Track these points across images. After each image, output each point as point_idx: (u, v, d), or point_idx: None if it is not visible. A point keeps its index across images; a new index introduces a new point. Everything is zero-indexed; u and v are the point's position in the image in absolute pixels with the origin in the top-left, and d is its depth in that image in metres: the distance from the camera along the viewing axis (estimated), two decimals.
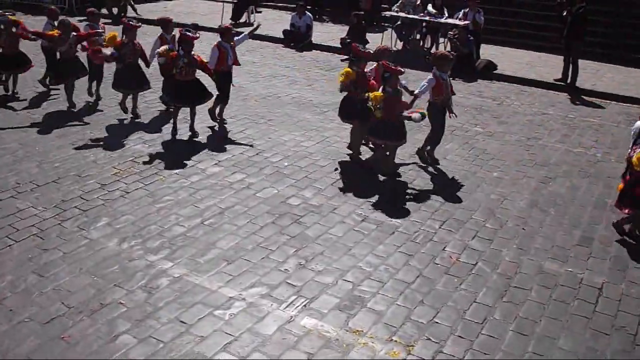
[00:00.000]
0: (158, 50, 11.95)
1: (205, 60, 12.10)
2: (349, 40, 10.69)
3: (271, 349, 6.49)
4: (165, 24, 13.67)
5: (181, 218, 9.08)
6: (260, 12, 26.38)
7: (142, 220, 8.99)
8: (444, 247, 8.64)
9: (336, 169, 10.96)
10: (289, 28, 20.90)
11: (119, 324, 6.75)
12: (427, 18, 19.98)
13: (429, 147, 11.39)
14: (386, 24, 22.59)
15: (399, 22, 20.72)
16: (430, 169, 11.21)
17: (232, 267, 7.90)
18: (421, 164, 11.32)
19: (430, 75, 10.97)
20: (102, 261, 7.92)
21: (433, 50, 20.15)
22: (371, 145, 11.69)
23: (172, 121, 12.25)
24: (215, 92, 12.59)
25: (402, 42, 20.83)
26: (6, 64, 13.91)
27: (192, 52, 11.82)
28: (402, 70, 10.42)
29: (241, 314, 7.01)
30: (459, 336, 6.83)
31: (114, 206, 9.34)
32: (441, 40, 20.52)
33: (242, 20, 24.52)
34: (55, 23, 13.75)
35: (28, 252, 8.05)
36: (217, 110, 12.86)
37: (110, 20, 23.62)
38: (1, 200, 9.35)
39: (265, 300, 7.26)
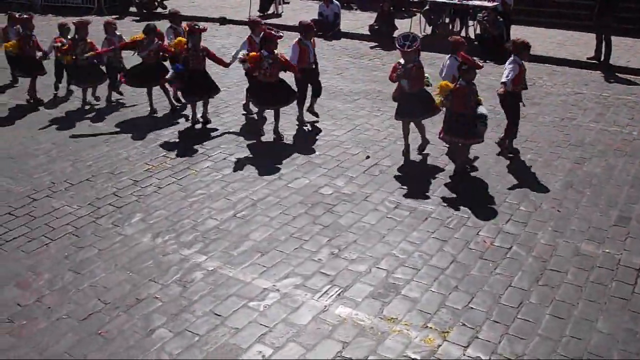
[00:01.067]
0: (240, 55, 11.50)
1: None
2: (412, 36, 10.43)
3: (306, 339, 6.49)
4: (253, 25, 13.28)
5: (214, 211, 9.12)
6: (288, 2, 26.33)
7: (175, 214, 9.05)
8: (478, 232, 8.56)
9: (368, 157, 10.92)
10: (317, 17, 20.82)
11: (154, 319, 6.81)
12: (455, 1, 19.78)
13: (507, 141, 11.19)
14: (414, 9, 22.43)
15: (427, 7, 20.56)
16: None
17: (265, 259, 7.92)
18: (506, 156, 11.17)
19: (510, 64, 10.75)
20: (137, 257, 8.00)
21: (462, 33, 20.01)
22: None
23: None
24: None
25: (430, 27, 20.65)
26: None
27: (276, 51, 11.56)
28: (481, 64, 10.24)
29: (275, 305, 7.02)
30: (495, 321, 6.77)
31: (147, 202, 9.42)
32: (470, 23, 20.29)
33: (270, 11, 24.49)
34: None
35: (64, 250, 8.16)
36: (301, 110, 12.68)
37: (138, 18, 23.81)
38: (37, 200, 9.47)
39: (299, 291, 7.27)
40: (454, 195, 9.57)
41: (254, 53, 11.35)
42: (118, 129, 12.41)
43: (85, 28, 13.43)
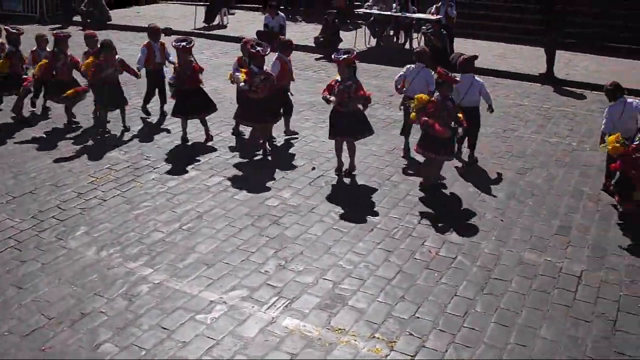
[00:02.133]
0: (239, 75, 10.97)
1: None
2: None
3: (254, 351, 6.49)
4: (244, 45, 13.03)
5: (159, 224, 9.05)
6: (233, 14, 26.31)
7: (120, 227, 8.95)
8: (423, 242, 8.66)
9: (313, 168, 10.97)
10: (262, 28, 20.81)
11: (100, 333, 6.73)
12: (399, 14, 20.01)
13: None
14: (359, 21, 22.60)
15: (371, 19, 20.75)
16: (407, 165, 11.23)
17: (212, 271, 7.89)
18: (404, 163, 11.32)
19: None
20: (81, 270, 7.89)
21: (407, 46, 20.27)
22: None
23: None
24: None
25: (375, 39, 20.84)
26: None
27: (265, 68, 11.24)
28: (457, 79, 10.20)
29: (222, 318, 7.00)
30: (441, 330, 6.86)
31: (91, 214, 9.30)
32: (414, 35, 20.55)
33: (216, 22, 24.42)
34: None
35: (6, 265, 8.01)
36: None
37: (81, 28, 23.50)
38: None
39: (246, 303, 7.26)
40: (400, 206, 9.65)
41: (243, 70, 11.10)
42: (62, 142, 12.21)
43: (66, 41, 12.99)
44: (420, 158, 10.71)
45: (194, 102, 11.86)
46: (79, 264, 8.03)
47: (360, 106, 10.26)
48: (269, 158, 11.42)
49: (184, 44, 11.70)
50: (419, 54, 11.60)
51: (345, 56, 10.21)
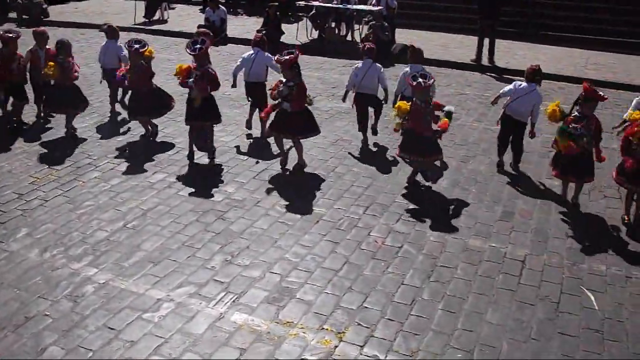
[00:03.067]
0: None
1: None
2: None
3: (203, 348, 6.46)
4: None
5: (103, 223, 8.93)
6: (173, 8, 26.05)
7: (63, 227, 8.81)
8: (369, 232, 8.72)
9: (257, 162, 10.94)
10: (203, 23, 20.66)
11: (45, 337, 6.61)
12: (340, 6, 20.04)
13: None
14: (301, 14, 22.58)
15: (313, 11, 20.75)
16: (350, 155, 11.28)
17: (158, 269, 7.82)
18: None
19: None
20: (24, 273, 7.74)
21: (349, 37, 20.32)
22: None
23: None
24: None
25: (317, 31, 20.85)
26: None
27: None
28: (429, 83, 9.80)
29: (170, 315, 6.95)
30: (389, 319, 6.92)
31: (33, 216, 9.13)
32: (356, 27, 20.62)
33: (156, 17, 24.16)
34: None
35: None
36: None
37: (19, 29, 23.01)
38: None
39: (193, 300, 7.22)
40: (344, 197, 9.69)
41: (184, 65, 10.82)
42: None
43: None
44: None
45: (147, 102, 11.67)
46: (22, 267, 7.88)
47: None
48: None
49: (136, 46, 11.46)
50: (366, 50, 11.72)
51: (286, 57, 9.99)
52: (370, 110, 11.91)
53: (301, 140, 10.56)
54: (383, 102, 11.88)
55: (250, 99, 12.30)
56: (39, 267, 7.88)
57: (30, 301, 7.20)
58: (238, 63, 12.35)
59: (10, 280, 7.61)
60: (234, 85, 12.41)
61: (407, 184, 10.15)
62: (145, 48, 11.53)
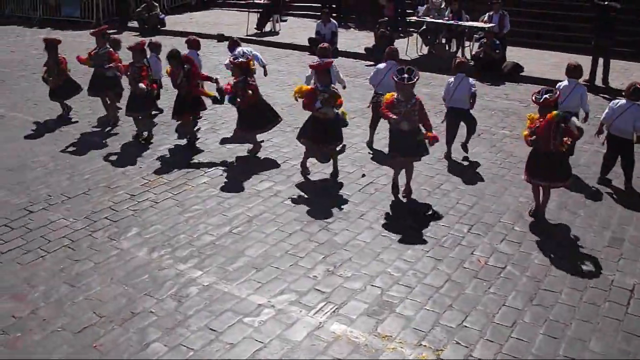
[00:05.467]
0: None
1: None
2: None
3: (300, 355, 6.52)
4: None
5: (210, 227, 9.15)
6: (285, 20, 26.46)
7: (172, 229, 9.07)
8: (473, 251, 8.60)
9: (363, 175, 10.97)
10: (314, 36, 20.92)
11: (149, 333, 6.83)
12: (452, 22, 19.91)
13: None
14: (411, 29, 22.56)
15: (424, 27, 20.69)
16: (458, 172, 11.18)
17: (261, 275, 7.95)
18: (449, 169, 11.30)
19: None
20: (133, 271, 8.02)
21: (459, 54, 20.16)
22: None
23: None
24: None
25: (427, 47, 20.78)
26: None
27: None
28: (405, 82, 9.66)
29: (270, 321, 7.05)
30: (489, 340, 6.80)
31: (143, 216, 9.45)
32: (467, 44, 20.45)
33: (267, 29, 24.62)
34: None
35: (60, 263, 8.19)
36: None
37: (138, 33, 23.94)
38: (33, 213, 9.51)
39: (294, 307, 7.30)
40: (449, 214, 9.60)
41: (306, 87, 10.71)
42: (115, 144, 12.47)
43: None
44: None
45: (256, 116, 11.67)
46: (131, 265, 8.17)
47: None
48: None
49: (241, 59, 11.67)
50: (458, 65, 11.76)
51: (413, 79, 9.56)
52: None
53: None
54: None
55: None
56: (146, 265, 8.15)
57: (137, 298, 7.46)
58: (372, 74, 12.54)
59: (120, 276, 7.90)
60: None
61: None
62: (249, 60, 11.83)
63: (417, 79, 9.66)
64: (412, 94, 9.70)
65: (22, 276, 7.92)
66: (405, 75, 9.54)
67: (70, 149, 12.23)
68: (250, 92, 11.13)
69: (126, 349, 6.60)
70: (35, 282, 7.77)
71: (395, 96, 9.71)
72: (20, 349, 6.59)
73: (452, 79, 11.63)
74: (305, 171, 10.99)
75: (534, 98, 9.22)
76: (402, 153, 9.89)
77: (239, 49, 13.55)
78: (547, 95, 9.15)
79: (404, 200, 10.14)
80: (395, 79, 9.57)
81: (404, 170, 10.13)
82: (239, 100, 11.24)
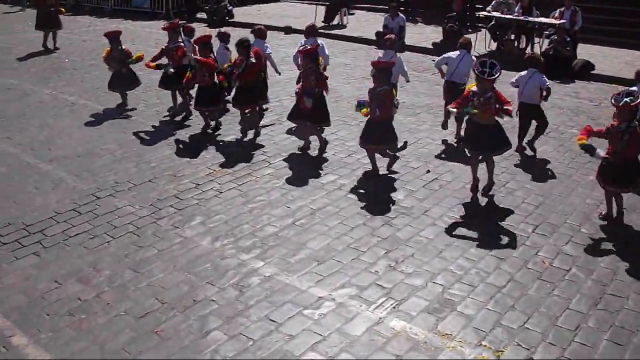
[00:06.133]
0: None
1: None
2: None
3: (359, 350, 6.49)
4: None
5: (273, 218, 9.19)
6: (353, 14, 26.44)
7: (235, 219, 9.15)
8: (537, 252, 8.45)
9: (428, 171, 10.89)
10: (381, 29, 20.83)
11: (210, 321, 6.90)
12: (521, 18, 19.58)
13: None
14: (480, 25, 22.30)
15: (493, 22, 20.42)
16: (524, 171, 11.00)
17: (322, 268, 7.95)
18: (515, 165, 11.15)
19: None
20: (195, 259, 8.11)
21: (528, 50, 19.82)
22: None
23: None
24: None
25: (496, 43, 20.50)
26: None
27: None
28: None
29: (330, 314, 7.04)
30: (551, 343, 6.66)
31: (207, 205, 9.55)
32: (536, 40, 20.09)
33: (335, 22, 24.64)
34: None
35: (125, 249, 8.33)
36: None
37: (207, 24, 24.21)
38: (100, 199, 9.70)
39: (354, 301, 7.28)
40: (515, 214, 9.46)
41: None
42: (183, 133, 12.63)
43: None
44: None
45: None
46: (194, 253, 8.26)
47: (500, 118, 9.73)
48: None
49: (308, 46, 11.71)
50: (529, 59, 11.75)
51: (494, 74, 9.50)
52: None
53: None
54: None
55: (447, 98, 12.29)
56: (209, 254, 8.23)
57: (199, 286, 7.54)
58: (439, 58, 12.62)
59: (183, 264, 8.00)
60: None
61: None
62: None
63: (499, 75, 9.54)
64: (491, 87, 9.57)
65: (89, 260, 8.08)
66: (487, 70, 9.45)
67: (138, 137, 12.45)
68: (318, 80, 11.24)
69: (186, 335, 6.68)
70: (101, 267, 7.93)
71: (472, 88, 9.67)
72: (84, 331, 6.73)
73: (523, 72, 11.50)
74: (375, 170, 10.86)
75: (613, 100, 8.90)
76: (481, 149, 9.83)
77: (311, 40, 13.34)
78: (627, 99, 8.78)
79: (482, 196, 10.02)
80: (476, 71, 9.48)
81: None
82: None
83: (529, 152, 11.72)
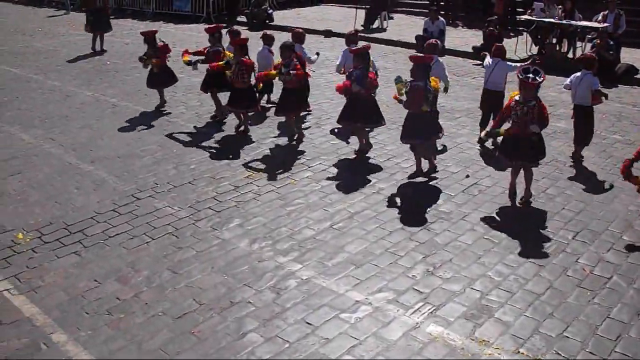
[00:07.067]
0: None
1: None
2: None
3: (395, 355, 6.47)
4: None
5: (311, 221, 9.20)
6: (392, 18, 26.37)
7: (273, 222, 9.17)
8: (577, 259, 8.34)
9: (467, 176, 10.81)
10: (421, 33, 20.74)
11: (247, 323, 6.92)
12: (563, 22, 19.36)
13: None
14: (521, 28, 22.10)
15: (534, 26, 20.22)
16: (565, 177, 10.87)
17: (359, 271, 7.93)
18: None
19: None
20: (233, 261, 8.15)
21: (570, 54, 19.60)
22: None
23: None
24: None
25: (537, 47, 20.29)
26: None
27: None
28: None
29: (367, 318, 7.03)
30: (590, 352, 6.56)
31: (245, 208, 9.59)
32: (578, 44, 19.85)
33: (375, 26, 24.60)
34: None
35: (163, 250, 8.40)
36: None
37: (247, 28, 24.34)
38: (140, 200, 9.79)
39: (391, 306, 7.25)
40: (554, 220, 9.35)
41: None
42: (222, 135, 12.71)
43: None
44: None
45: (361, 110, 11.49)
46: (232, 255, 8.30)
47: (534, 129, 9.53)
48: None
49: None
50: (581, 60, 11.77)
51: (538, 79, 9.36)
52: None
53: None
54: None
55: (484, 107, 12.36)
56: (247, 256, 8.27)
57: (236, 288, 7.57)
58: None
59: (220, 265, 8.04)
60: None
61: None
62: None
63: (543, 80, 9.42)
64: (534, 95, 9.46)
65: (128, 260, 8.17)
66: (530, 75, 9.34)
67: (177, 139, 12.53)
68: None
69: (223, 337, 6.71)
70: (140, 267, 8.01)
71: (515, 97, 9.57)
72: (122, 330, 6.80)
73: (578, 74, 11.40)
74: (419, 172, 10.84)
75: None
76: (517, 158, 9.73)
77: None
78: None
79: (521, 206, 9.87)
80: (520, 76, 9.39)
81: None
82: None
83: (565, 160, 11.55)
